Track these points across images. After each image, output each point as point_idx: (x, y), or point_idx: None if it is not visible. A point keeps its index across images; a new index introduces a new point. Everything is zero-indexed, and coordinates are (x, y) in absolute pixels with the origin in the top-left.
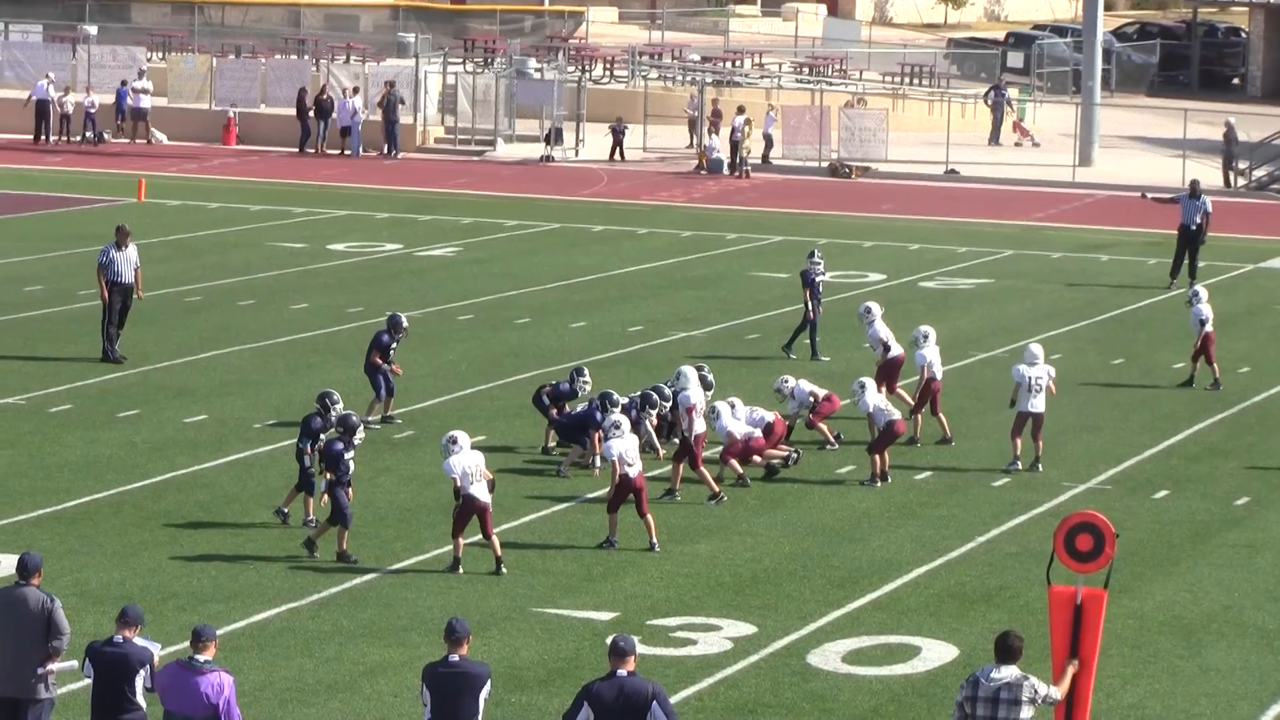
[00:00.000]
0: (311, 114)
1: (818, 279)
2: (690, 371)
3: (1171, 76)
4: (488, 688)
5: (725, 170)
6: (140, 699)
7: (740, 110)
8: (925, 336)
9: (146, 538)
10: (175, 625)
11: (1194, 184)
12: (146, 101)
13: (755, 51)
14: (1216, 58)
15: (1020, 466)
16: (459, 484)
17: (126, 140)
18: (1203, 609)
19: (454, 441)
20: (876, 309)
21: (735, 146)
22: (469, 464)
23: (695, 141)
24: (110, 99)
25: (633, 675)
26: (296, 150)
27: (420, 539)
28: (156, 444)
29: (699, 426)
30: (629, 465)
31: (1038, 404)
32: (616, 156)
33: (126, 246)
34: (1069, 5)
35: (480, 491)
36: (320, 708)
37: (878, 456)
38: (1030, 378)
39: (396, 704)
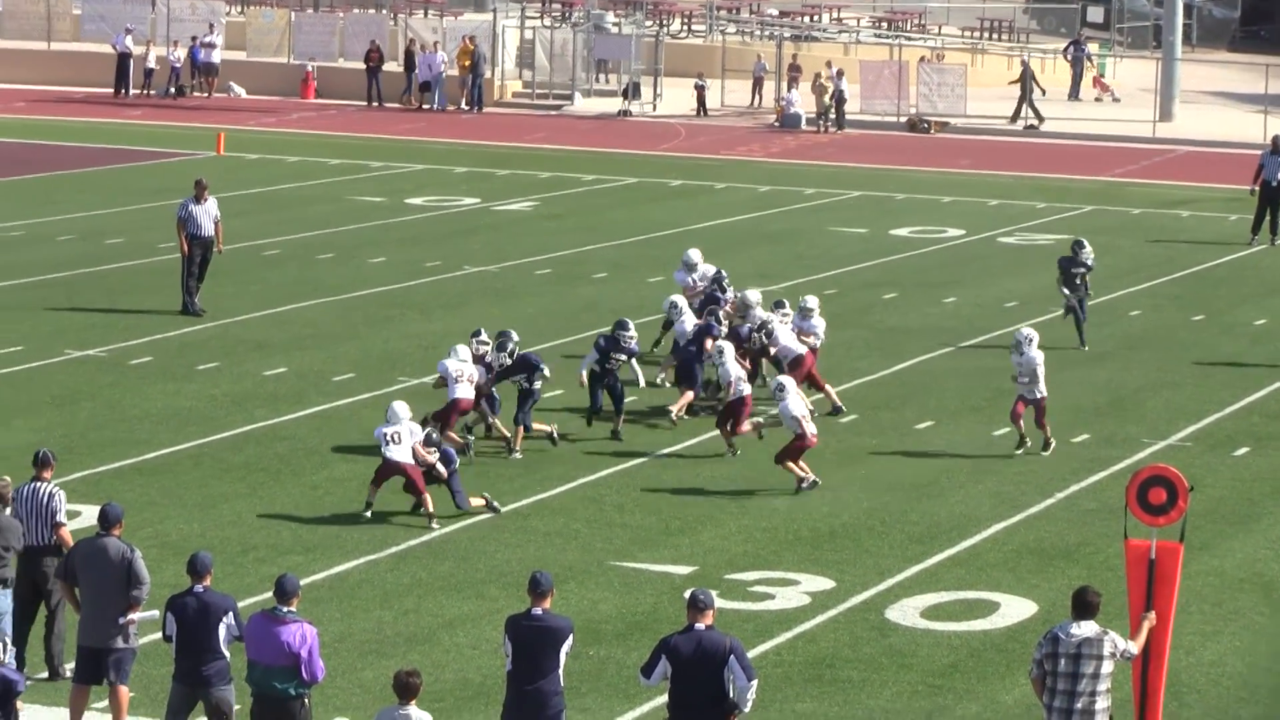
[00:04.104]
0: (401, 67)
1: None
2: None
3: (1253, 31)
4: (569, 642)
5: (803, 125)
6: (224, 648)
7: (829, 65)
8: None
9: (226, 489)
10: (255, 577)
11: (1276, 140)
12: (216, 56)
13: (833, 5)
14: None
15: (1029, 445)
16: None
17: (203, 95)
18: None
19: (390, 409)
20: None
21: (841, 101)
22: (394, 430)
23: (759, 100)
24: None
25: (710, 629)
26: (375, 105)
27: (498, 492)
28: (236, 396)
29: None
30: (810, 425)
31: (1043, 389)
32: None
33: (205, 200)
34: None
35: (397, 454)
36: (399, 659)
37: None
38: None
39: (475, 656)
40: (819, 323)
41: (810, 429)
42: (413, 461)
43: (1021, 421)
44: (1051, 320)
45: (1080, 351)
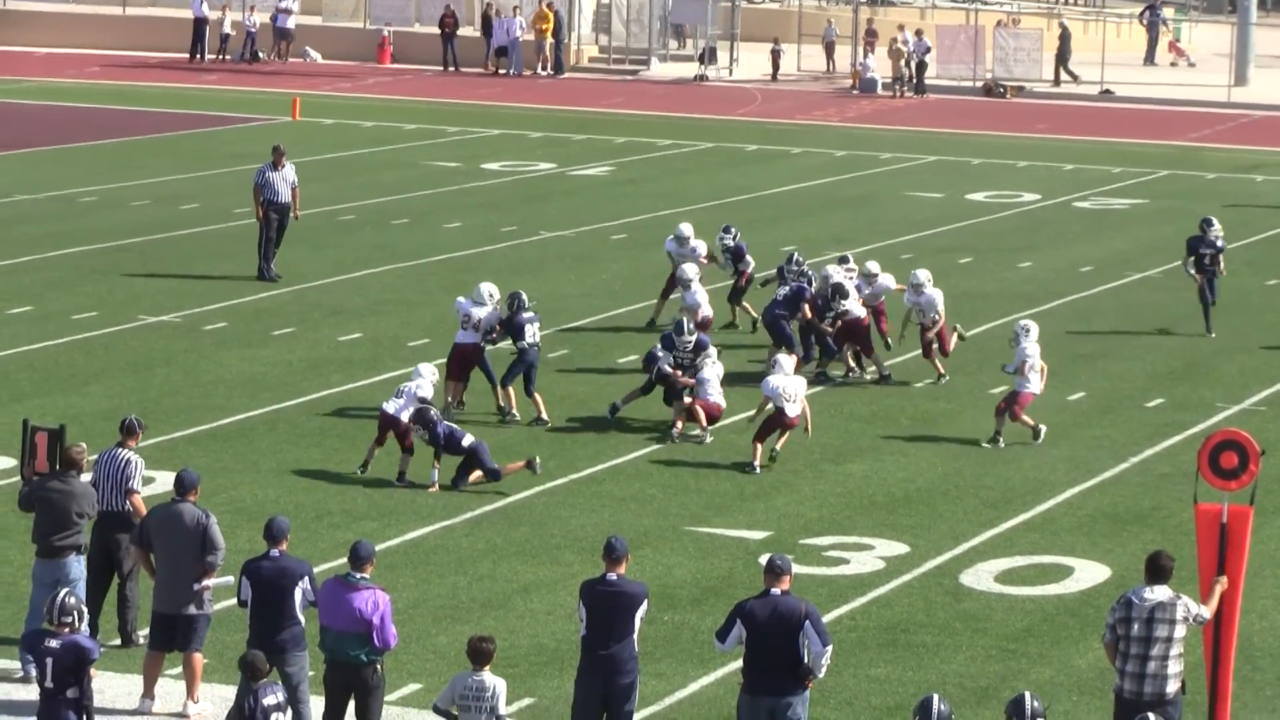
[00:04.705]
0: (478, 31)
1: (1207, 251)
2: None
3: None
4: (644, 607)
5: (879, 89)
6: (299, 613)
7: (901, 28)
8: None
9: (301, 455)
10: (329, 543)
11: None
12: (291, 22)
13: None
14: None
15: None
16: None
17: (278, 60)
18: None
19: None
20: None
21: (922, 68)
22: (404, 385)
23: (833, 65)
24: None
25: (786, 594)
26: (451, 69)
27: (573, 458)
28: (311, 362)
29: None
30: (787, 401)
31: (1033, 385)
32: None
33: (283, 166)
34: None
35: (390, 406)
36: (474, 625)
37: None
38: (1032, 360)
39: (550, 621)
40: (935, 294)
41: (790, 409)
42: (405, 420)
43: (1024, 415)
44: (1126, 285)
45: (1158, 316)
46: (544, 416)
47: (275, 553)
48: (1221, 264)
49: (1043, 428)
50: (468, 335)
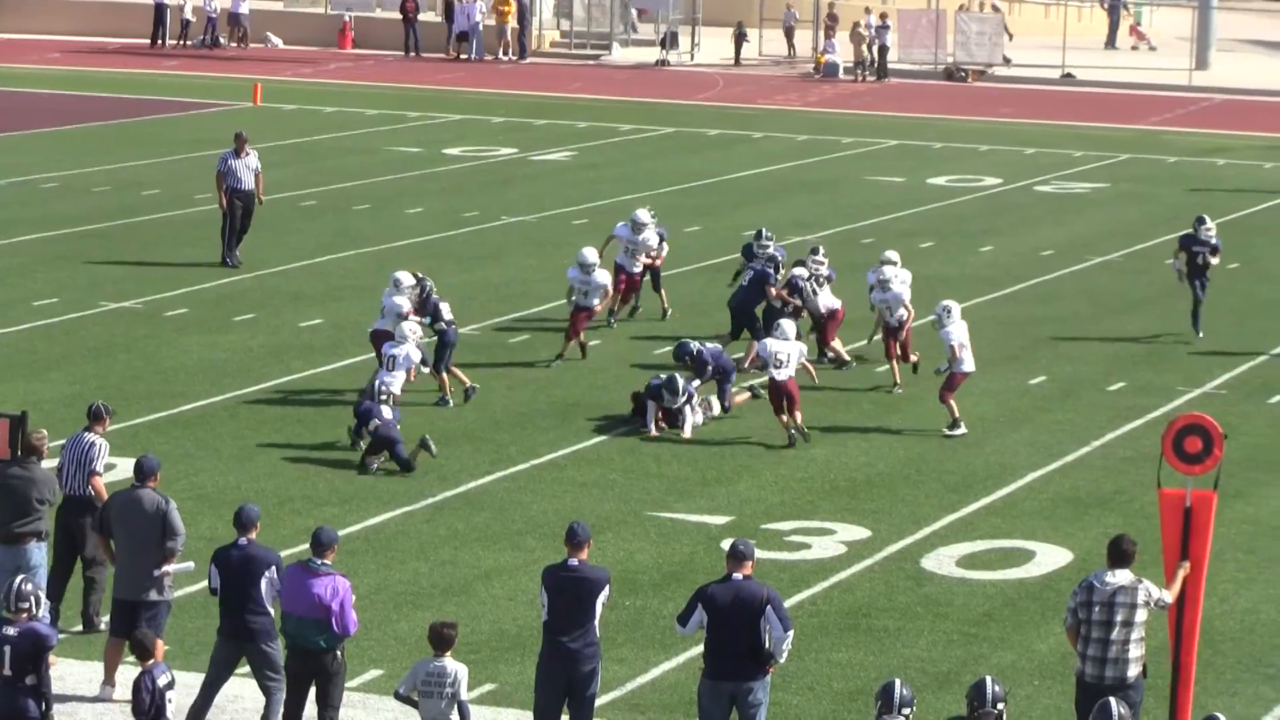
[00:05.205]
0: (439, 17)
1: (1200, 250)
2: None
3: None
4: (606, 592)
5: (840, 74)
6: (267, 602)
7: (867, 11)
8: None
9: (262, 441)
10: (290, 529)
11: None
12: (244, 7)
13: None
14: None
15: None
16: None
17: (238, 45)
18: None
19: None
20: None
21: (883, 52)
22: (390, 355)
23: (792, 51)
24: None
25: (748, 579)
26: (412, 55)
27: (535, 443)
28: (272, 348)
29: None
30: (776, 366)
31: (965, 364)
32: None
33: (246, 153)
34: None
35: (379, 324)
36: (435, 610)
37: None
38: (960, 340)
39: (511, 607)
40: (902, 292)
41: (778, 374)
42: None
43: (952, 400)
44: (1087, 269)
45: (1119, 300)
46: (469, 385)
47: (244, 541)
48: (1215, 261)
49: (962, 428)
50: (381, 322)
